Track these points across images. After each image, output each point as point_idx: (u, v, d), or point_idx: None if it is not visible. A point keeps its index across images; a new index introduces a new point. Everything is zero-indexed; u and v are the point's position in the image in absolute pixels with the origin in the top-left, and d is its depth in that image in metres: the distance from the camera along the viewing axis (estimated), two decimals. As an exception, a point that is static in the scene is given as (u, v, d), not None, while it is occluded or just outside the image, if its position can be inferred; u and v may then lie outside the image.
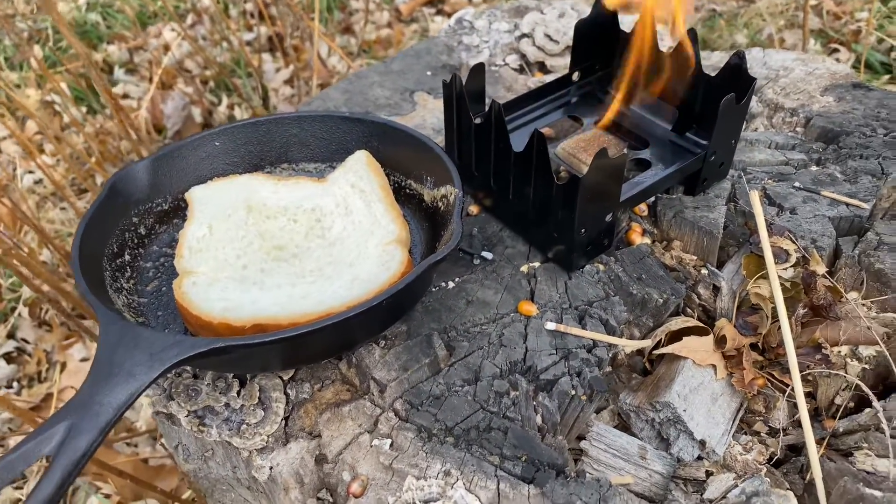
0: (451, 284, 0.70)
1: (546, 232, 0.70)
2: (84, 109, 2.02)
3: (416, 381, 0.61)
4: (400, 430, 0.58)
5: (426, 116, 0.93)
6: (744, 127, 0.84)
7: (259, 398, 0.61)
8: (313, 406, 0.62)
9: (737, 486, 0.62)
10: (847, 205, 0.76)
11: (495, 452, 0.56)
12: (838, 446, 0.65)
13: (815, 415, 0.69)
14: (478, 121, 0.71)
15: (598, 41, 0.84)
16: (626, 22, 0.95)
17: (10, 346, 1.52)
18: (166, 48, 2.21)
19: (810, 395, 0.69)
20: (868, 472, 0.58)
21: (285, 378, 0.63)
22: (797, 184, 0.79)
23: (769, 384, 0.70)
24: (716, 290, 0.74)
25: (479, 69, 0.74)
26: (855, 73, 0.98)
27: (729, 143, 0.76)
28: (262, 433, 0.60)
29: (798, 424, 0.68)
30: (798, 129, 0.91)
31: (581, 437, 0.65)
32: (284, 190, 0.73)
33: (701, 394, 0.65)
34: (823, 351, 0.68)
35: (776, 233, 0.73)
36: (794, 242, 0.72)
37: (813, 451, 0.62)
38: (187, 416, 0.61)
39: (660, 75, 0.79)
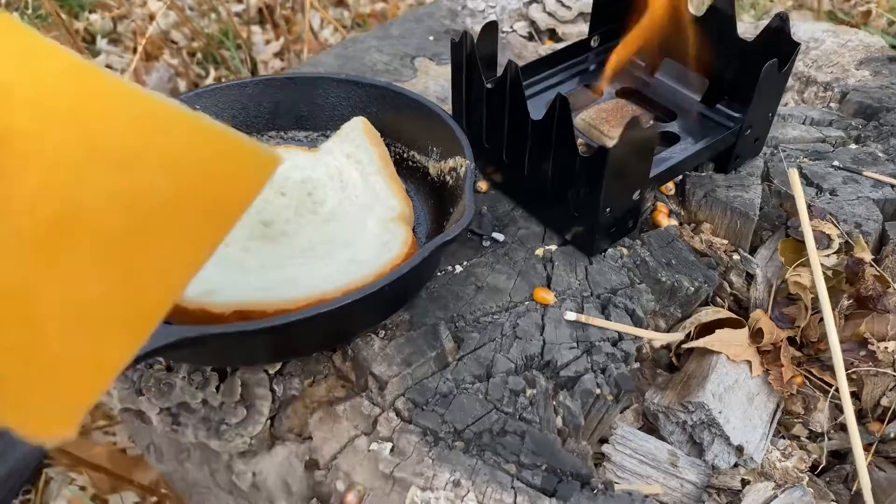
0: (458, 269, 0.62)
1: (565, 211, 0.62)
2: (63, 80, 1.92)
3: (420, 377, 0.54)
4: (402, 433, 0.51)
5: (428, 84, 0.85)
6: (777, 100, 0.76)
7: (241, 395, 0.54)
8: (303, 404, 0.55)
9: (776, 496, 0.55)
10: (893, 186, 0.69)
11: (511, 460, 0.49)
12: (888, 453, 0.59)
13: (860, 417, 0.62)
14: (490, 85, 0.63)
15: (620, 3, 0.77)
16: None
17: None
18: (151, 18, 2.11)
19: (854, 396, 0.62)
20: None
21: (271, 372, 0.56)
22: (836, 163, 0.72)
23: (807, 383, 0.63)
24: (749, 277, 0.67)
25: (491, 28, 0.66)
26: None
27: (766, 117, 0.69)
28: (244, 434, 0.52)
29: (841, 428, 0.61)
30: (832, 104, 0.83)
31: (603, 441, 0.58)
32: (272, 160, 0.65)
33: (736, 393, 0.59)
34: (869, 347, 0.61)
35: (817, 216, 0.66)
36: (836, 227, 0.66)
37: (860, 459, 0.56)
38: (159, 413, 0.53)
39: (688, 40, 0.72)
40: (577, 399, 0.53)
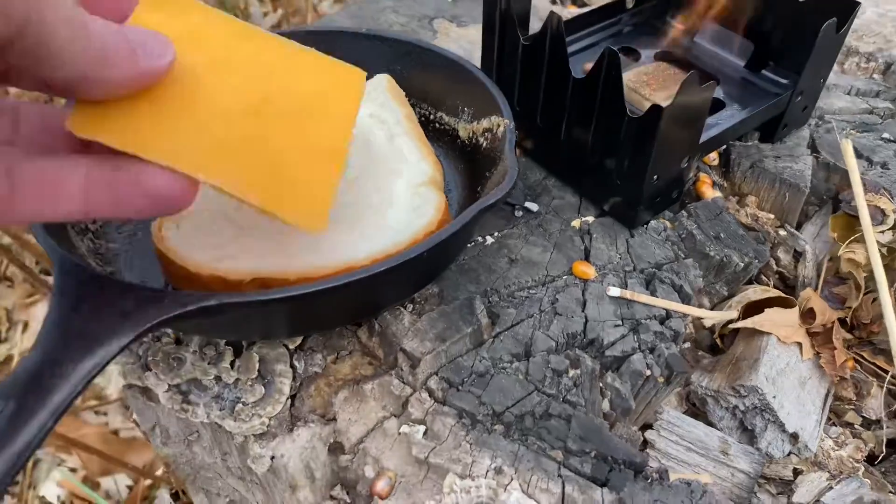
0: (489, 240, 0.58)
1: (604, 180, 0.58)
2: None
3: (455, 355, 0.49)
4: (436, 415, 0.46)
5: (449, 45, 0.80)
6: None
7: (259, 371, 0.49)
8: (326, 382, 0.50)
9: (831, 487, 0.52)
10: (948, 160, 0.65)
11: (557, 445, 0.45)
12: (948, 442, 0.55)
13: (916, 404, 0.58)
14: (527, 42, 0.58)
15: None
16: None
17: (-34, 302, 1.38)
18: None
19: (909, 382, 0.58)
20: None
21: (291, 347, 0.51)
22: (886, 135, 0.68)
23: (858, 367, 0.59)
24: (797, 255, 0.63)
25: (527, -19, 0.61)
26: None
27: (817, 83, 0.65)
28: (261, 415, 0.48)
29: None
30: (876, 75, 0.79)
31: (646, 427, 0.54)
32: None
33: (789, 377, 0.55)
34: (928, 329, 0.58)
35: (871, 189, 0.62)
36: (891, 201, 0.62)
37: (921, 449, 0.52)
38: (167, 391, 0.49)
39: (735, 2, 0.67)
40: (627, 381, 0.49)
